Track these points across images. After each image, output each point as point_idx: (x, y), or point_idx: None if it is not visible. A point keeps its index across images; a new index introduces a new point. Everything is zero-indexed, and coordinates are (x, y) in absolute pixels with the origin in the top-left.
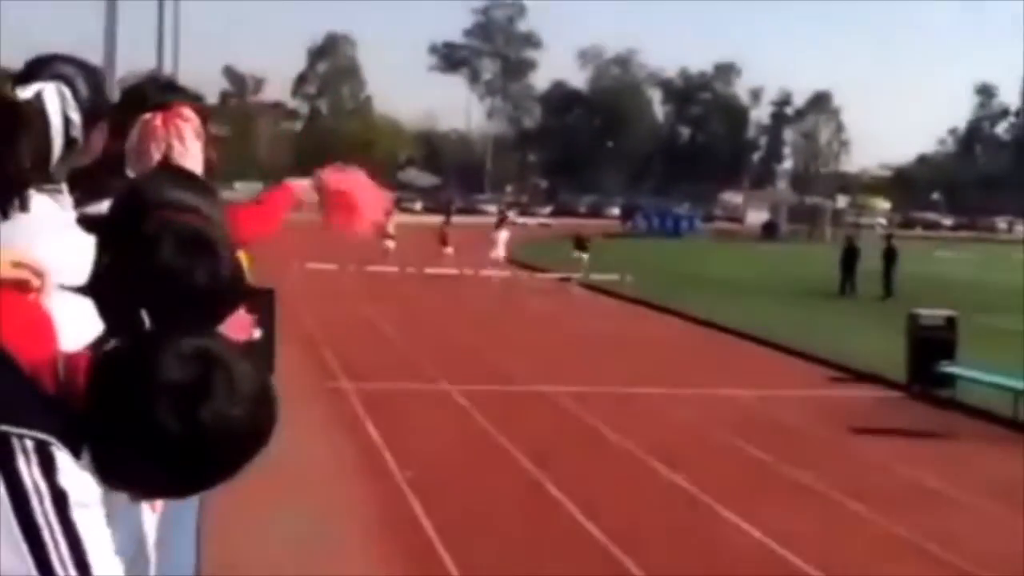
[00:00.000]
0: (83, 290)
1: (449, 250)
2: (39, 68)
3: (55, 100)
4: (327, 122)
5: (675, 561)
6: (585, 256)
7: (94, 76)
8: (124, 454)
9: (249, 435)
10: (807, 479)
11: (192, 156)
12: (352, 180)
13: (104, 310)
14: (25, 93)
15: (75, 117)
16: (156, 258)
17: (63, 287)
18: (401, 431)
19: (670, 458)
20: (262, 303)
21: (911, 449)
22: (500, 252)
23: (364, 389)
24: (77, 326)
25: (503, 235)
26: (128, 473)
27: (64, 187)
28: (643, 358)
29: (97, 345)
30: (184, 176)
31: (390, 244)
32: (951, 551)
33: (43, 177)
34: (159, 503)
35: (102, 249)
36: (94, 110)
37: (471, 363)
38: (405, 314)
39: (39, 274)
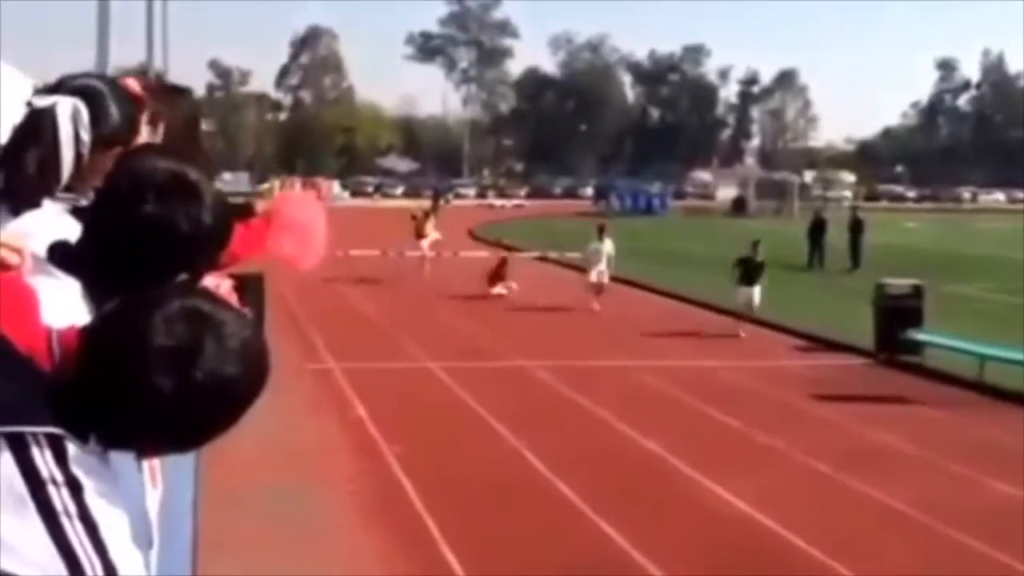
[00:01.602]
0: (70, 263)
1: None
2: (70, 81)
3: (67, 113)
4: (310, 111)
5: (654, 524)
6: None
7: (127, 105)
8: (122, 417)
9: (244, 388)
10: (778, 444)
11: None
12: (307, 213)
13: (92, 281)
14: (42, 102)
15: (84, 135)
16: (136, 208)
17: (49, 264)
18: (387, 408)
19: (644, 427)
20: (251, 287)
21: (879, 414)
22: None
23: (349, 368)
24: (62, 309)
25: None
26: (127, 434)
27: (83, 201)
28: (615, 332)
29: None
30: (169, 148)
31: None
32: (921, 510)
33: (50, 187)
34: (159, 479)
35: (88, 223)
36: (115, 135)
37: (451, 341)
38: (389, 297)
39: (17, 251)
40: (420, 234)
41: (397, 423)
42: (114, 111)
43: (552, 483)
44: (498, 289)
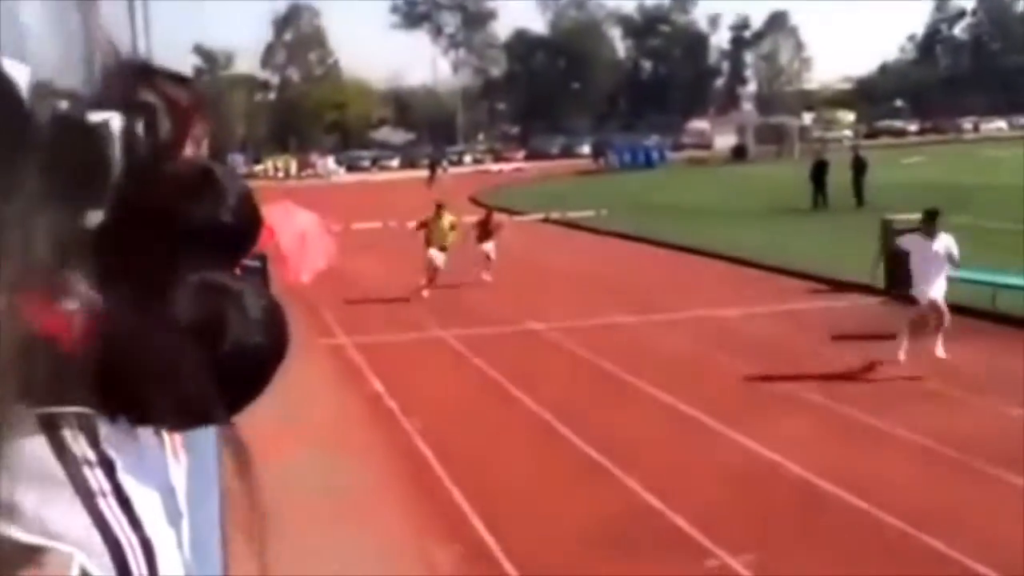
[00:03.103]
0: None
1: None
2: (111, 88)
3: (119, 131)
4: (298, 89)
5: (678, 477)
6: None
7: (177, 122)
8: (150, 395)
9: (269, 356)
10: (795, 389)
11: None
12: (297, 226)
13: (107, 274)
14: (95, 117)
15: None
16: (151, 199)
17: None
18: (402, 378)
19: (660, 380)
20: (253, 267)
21: (892, 351)
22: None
23: (362, 343)
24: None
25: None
26: (156, 411)
27: None
28: (624, 288)
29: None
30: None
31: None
32: (942, 442)
33: (96, 204)
34: (182, 453)
35: (107, 218)
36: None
37: (459, 307)
38: (394, 267)
39: None
40: (434, 241)
41: (415, 395)
42: (166, 129)
43: (575, 444)
44: (487, 246)
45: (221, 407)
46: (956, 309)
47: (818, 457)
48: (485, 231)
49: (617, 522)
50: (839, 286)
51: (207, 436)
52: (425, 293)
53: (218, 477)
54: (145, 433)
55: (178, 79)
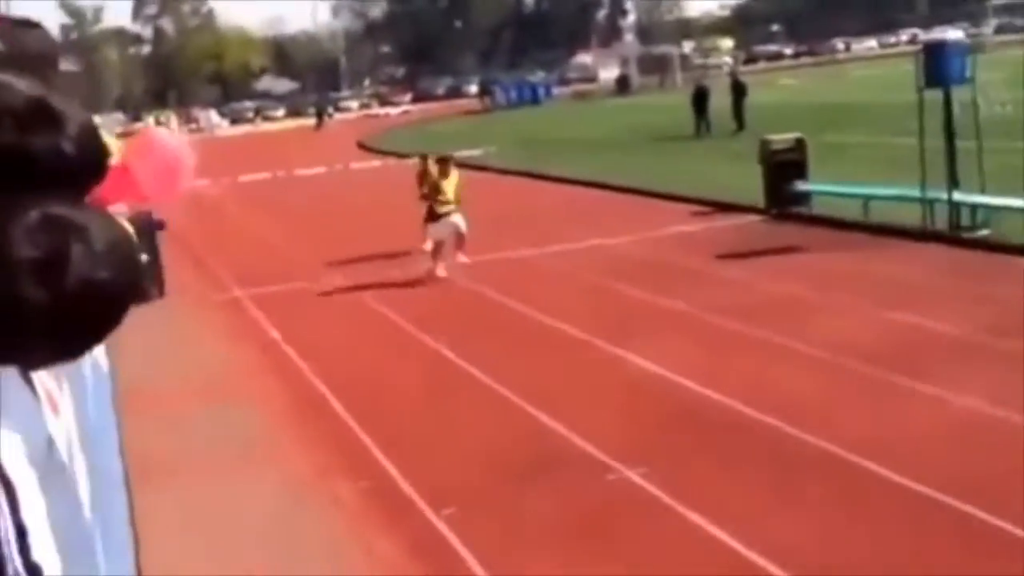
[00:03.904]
0: None
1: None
2: None
3: None
4: (174, 42)
5: (574, 399)
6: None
7: None
8: None
9: (118, 290)
10: (683, 307)
11: None
12: (166, 147)
13: None
14: None
15: None
16: None
17: None
18: (298, 327)
19: (551, 309)
20: (140, 226)
21: (775, 265)
22: None
23: (257, 295)
24: None
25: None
26: (6, 350)
27: None
28: (516, 223)
29: None
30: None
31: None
32: (822, 348)
33: None
34: (58, 404)
35: None
36: None
37: (355, 253)
38: (284, 218)
39: None
40: (435, 211)
41: (312, 342)
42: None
43: (474, 375)
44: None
45: (70, 344)
46: (831, 222)
47: (706, 370)
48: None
49: (519, 446)
50: (723, 207)
51: (110, 435)
52: (441, 272)
53: (123, 476)
54: (10, 381)
55: (27, 24)
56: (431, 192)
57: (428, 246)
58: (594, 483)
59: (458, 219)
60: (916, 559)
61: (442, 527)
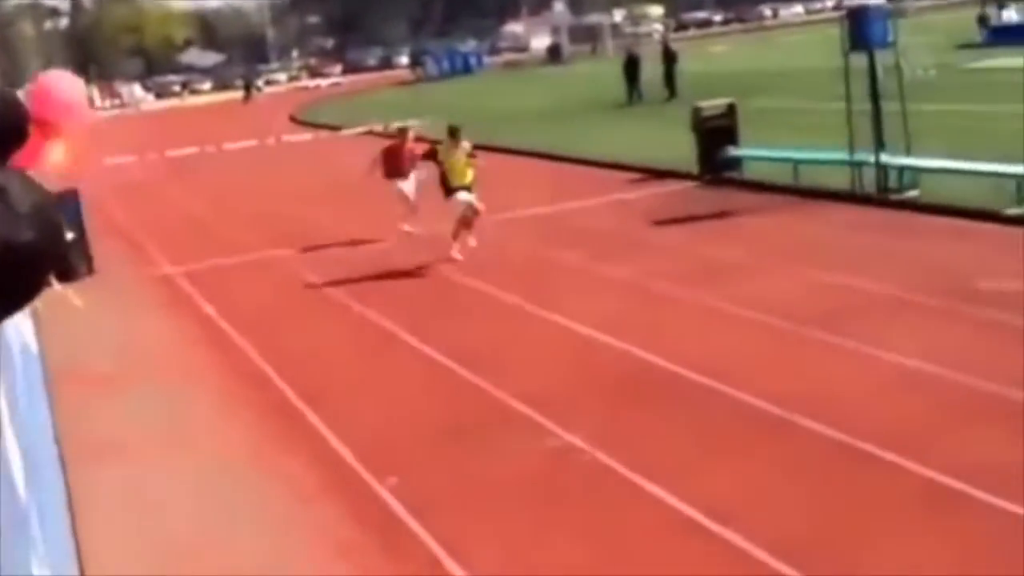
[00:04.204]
0: None
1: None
2: None
3: None
4: (92, 14)
5: (516, 364)
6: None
7: None
8: None
9: (41, 252)
10: (619, 273)
11: None
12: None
13: None
14: None
15: None
16: None
17: None
18: (233, 301)
19: (489, 276)
20: (67, 204)
21: (709, 230)
22: None
23: (189, 271)
24: None
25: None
26: None
27: None
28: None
29: None
30: None
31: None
32: (754, 308)
33: None
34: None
35: None
36: None
37: (288, 226)
38: (214, 192)
39: None
40: (449, 187)
41: (248, 315)
42: None
43: (410, 344)
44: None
45: None
46: (762, 186)
47: (641, 332)
48: (398, 163)
49: (458, 412)
50: (658, 174)
51: (43, 417)
52: (407, 228)
53: (57, 456)
54: None
55: None
56: (437, 165)
57: (406, 227)
58: (535, 445)
59: (470, 197)
60: (844, 506)
61: (386, 495)
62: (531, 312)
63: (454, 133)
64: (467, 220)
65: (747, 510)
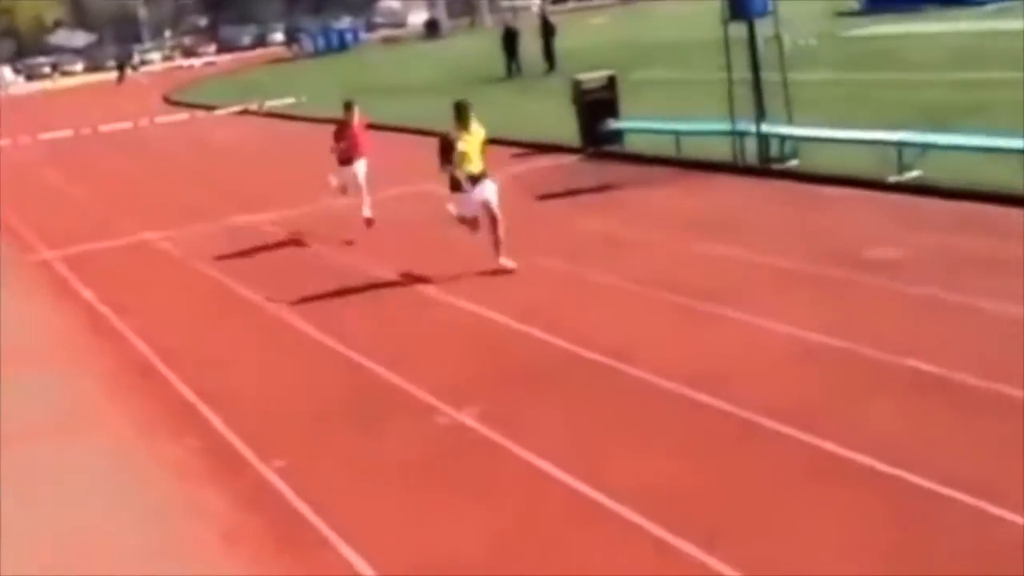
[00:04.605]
0: None
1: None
2: None
3: None
4: None
5: (395, 345)
6: None
7: None
8: None
9: None
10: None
11: None
12: None
13: None
14: None
15: None
16: None
17: None
18: (113, 286)
19: (376, 256)
20: None
21: (593, 204)
22: None
23: (67, 255)
24: None
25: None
26: None
27: None
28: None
29: None
30: None
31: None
32: (643, 283)
33: None
34: None
35: None
36: None
37: (164, 208)
38: (89, 175)
39: None
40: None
41: (128, 300)
42: None
43: (293, 325)
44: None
45: None
46: (645, 158)
47: (528, 310)
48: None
49: (346, 394)
50: (541, 148)
51: None
52: (508, 263)
53: None
54: None
55: None
56: (444, 154)
57: (366, 212)
58: (425, 423)
59: (490, 191)
60: (730, 478)
61: (274, 479)
62: (421, 291)
63: (460, 110)
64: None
65: (638, 485)
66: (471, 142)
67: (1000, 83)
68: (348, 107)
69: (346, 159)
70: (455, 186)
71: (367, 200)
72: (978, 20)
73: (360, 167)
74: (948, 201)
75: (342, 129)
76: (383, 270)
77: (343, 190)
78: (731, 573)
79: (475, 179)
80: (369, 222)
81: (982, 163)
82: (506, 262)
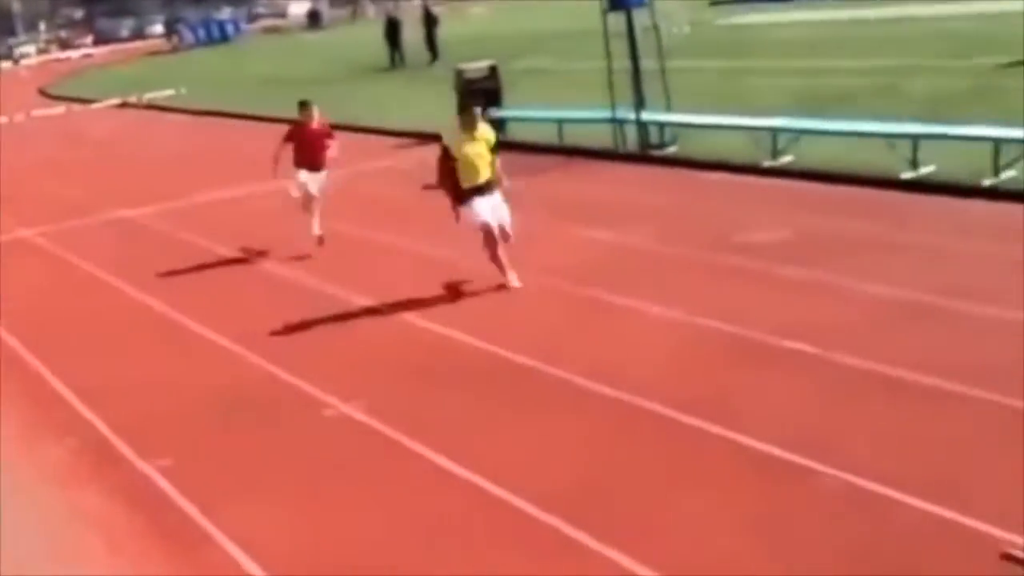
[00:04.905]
0: None
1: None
2: None
3: None
4: None
5: (286, 342)
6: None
7: None
8: None
9: None
10: (395, 242)
11: None
12: None
13: None
14: None
15: None
16: None
17: None
18: None
19: (265, 251)
20: None
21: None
22: None
23: None
24: None
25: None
26: None
27: None
28: (214, 165)
29: None
30: None
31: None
32: (532, 271)
33: None
34: None
35: None
36: None
37: (37, 202)
38: None
39: None
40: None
41: (7, 300)
42: None
43: (169, 316)
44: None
45: None
46: (527, 147)
47: (416, 300)
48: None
49: (228, 388)
50: (424, 138)
51: None
52: (514, 281)
53: None
54: None
55: None
56: (443, 167)
57: (315, 229)
58: (312, 416)
59: (498, 203)
60: (626, 464)
61: (157, 478)
62: (305, 284)
63: (466, 112)
64: (502, 234)
65: (527, 474)
66: (471, 149)
67: (867, 71)
68: (304, 106)
69: (303, 163)
70: (459, 198)
71: (318, 217)
72: (847, 8)
73: (318, 178)
74: (820, 184)
75: (295, 132)
76: (267, 264)
77: (306, 204)
78: (626, 561)
79: (479, 190)
80: (320, 240)
81: (849, 148)
82: (512, 279)
